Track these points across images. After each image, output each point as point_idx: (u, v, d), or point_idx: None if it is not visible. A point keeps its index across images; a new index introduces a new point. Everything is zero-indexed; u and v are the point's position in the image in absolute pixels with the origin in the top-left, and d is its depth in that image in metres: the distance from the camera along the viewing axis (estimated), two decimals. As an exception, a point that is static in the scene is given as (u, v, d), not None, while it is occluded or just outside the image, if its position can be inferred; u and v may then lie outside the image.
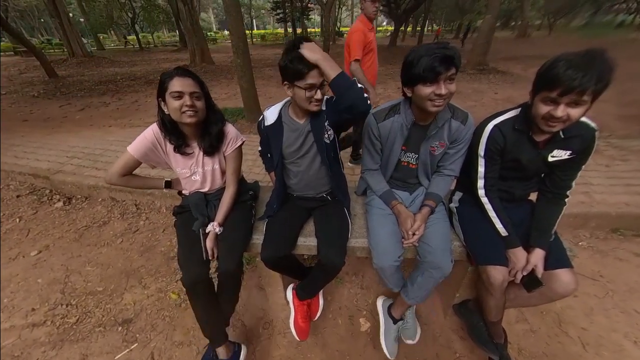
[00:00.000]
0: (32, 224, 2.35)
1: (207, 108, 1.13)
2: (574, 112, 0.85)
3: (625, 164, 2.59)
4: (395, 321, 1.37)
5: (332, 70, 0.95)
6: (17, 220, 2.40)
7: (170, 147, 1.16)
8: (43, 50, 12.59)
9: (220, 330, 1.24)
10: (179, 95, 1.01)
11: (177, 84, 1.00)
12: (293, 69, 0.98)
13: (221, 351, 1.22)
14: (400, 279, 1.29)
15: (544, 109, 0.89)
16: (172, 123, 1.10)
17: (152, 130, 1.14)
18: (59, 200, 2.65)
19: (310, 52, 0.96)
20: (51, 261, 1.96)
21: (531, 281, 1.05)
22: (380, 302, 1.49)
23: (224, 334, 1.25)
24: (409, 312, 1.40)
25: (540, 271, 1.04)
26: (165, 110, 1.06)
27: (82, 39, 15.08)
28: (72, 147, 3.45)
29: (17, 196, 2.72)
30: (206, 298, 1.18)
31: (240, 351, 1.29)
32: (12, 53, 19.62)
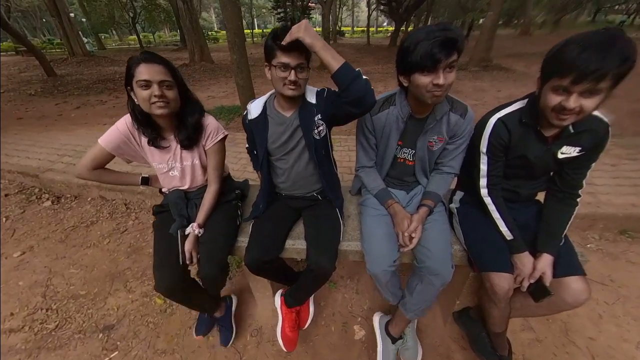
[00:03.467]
0: (19, 224, 2.28)
1: (183, 98, 1.03)
2: (588, 103, 0.75)
3: (633, 163, 2.48)
4: (394, 340, 1.25)
5: (334, 61, 0.84)
6: (4, 220, 2.33)
7: (145, 140, 1.07)
8: (44, 50, 12.55)
9: (212, 305, 1.29)
10: (147, 85, 0.91)
11: (144, 71, 0.90)
12: (270, 45, 0.90)
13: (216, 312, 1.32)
14: (397, 289, 1.19)
15: (554, 99, 0.78)
16: (143, 114, 1.00)
17: (125, 121, 1.05)
18: (47, 199, 2.57)
19: (311, 37, 0.83)
20: (34, 263, 1.89)
21: (539, 290, 0.95)
22: (377, 320, 1.37)
23: (216, 304, 1.32)
24: (409, 330, 1.27)
25: (548, 279, 0.94)
26: (135, 100, 0.97)
27: (83, 38, 15.04)
28: (64, 145, 3.38)
29: (5, 195, 2.66)
30: (187, 298, 1.14)
31: (232, 303, 1.41)
32: (14, 52, 19.67)
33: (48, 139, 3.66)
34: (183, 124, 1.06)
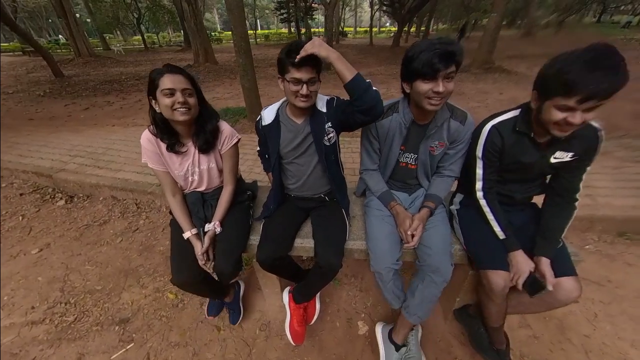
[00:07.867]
0: (35, 222, 2.37)
1: (200, 105, 1.11)
2: (590, 116, 0.80)
3: (636, 165, 2.50)
4: (397, 347, 1.23)
5: (348, 72, 0.91)
6: (20, 218, 2.42)
7: (164, 147, 1.14)
8: (50, 50, 12.71)
9: (222, 292, 1.41)
10: (171, 93, 0.99)
11: (168, 81, 0.99)
12: (284, 61, 0.98)
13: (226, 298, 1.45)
14: (399, 290, 1.22)
15: (558, 115, 0.82)
16: (164, 122, 1.08)
17: (146, 137, 1.13)
18: (61, 198, 2.67)
19: (325, 50, 0.91)
20: (52, 259, 1.97)
21: (533, 285, 1.01)
22: (379, 329, 1.36)
23: (226, 291, 1.44)
24: (412, 338, 1.26)
25: (551, 280, 0.98)
26: (157, 109, 1.04)
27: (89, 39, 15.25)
28: (75, 146, 3.48)
29: (21, 194, 2.75)
30: (200, 289, 1.24)
31: (240, 288, 1.53)
32: (21, 53, 19.93)
33: (59, 139, 3.77)
34: (202, 129, 1.14)
